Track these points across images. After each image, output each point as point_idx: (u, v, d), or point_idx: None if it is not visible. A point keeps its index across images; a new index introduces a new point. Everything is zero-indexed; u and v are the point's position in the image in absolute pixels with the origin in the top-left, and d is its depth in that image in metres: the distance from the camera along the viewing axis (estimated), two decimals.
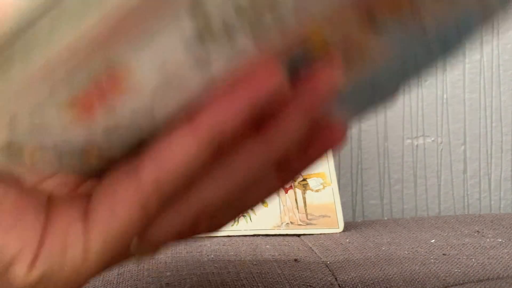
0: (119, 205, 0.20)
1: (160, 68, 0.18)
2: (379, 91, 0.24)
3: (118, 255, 0.22)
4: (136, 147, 0.20)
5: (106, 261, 0.21)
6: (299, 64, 0.20)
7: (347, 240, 0.61)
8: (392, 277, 0.47)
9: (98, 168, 0.21)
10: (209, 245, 0.58)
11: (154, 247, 0.23)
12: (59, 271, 0.20)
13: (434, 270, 0.48)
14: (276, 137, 0.20)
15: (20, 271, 0.20)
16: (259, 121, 0.20)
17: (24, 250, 0.20)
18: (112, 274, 0.49)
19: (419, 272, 0.48)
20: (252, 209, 0.25)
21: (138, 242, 0.22)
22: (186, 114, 0.19)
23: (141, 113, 0.19)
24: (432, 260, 0.51)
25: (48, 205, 0.21)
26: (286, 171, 0.23)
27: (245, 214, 0.26)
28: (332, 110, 0.23)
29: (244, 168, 0.21)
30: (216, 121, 0.19)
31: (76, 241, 0.20)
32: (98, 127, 0.19)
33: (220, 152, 0.20)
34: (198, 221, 0.22)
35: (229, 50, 0.18)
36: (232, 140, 0.20)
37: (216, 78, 0.19)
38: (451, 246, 0.56)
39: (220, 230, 0.25)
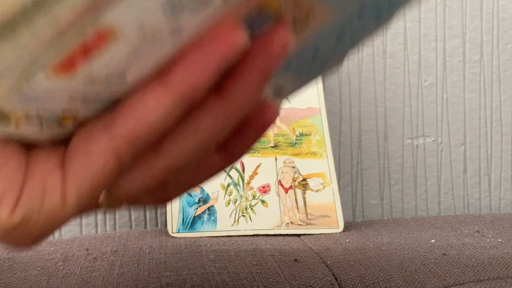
0: (94, 156, 0.22)
1: (139, 28, 0.19)
2: (319, 58, 0.25)
3: (91, 203, 0.24)
4: (109, 110, 0.22)
5: (80, 208, 0.23)
6: (255, 26, 0.22)
7: (347, 240, 0.61)
8: (392, 277, 0.47)
9: (73, 133, 0.22)
10: (209, 245, 0.58)
11: (121, 201, 0.25)
12: (38, 215, 0.22)
13: (434, 270, 0.48)
14: (236, 98, 0.22)
15: (3, 212, 0.22)
16: (221, 84, 0.22)
17: (7, 193, 0.22)
18: (112, 274, 0.49)
19: (419, 272, 0.48)
20: (199, 186, 0.27)
21: (108, 194, 0.24)
22: (158, 73, 0.21)
23: (117, 70, 0.20)
24: (432, 260, 0.51)
25: (28, 155, 0.23)
26: (228, 153, 0.26)
27: (193, 190, 0.29)
28: (277, 74, 0.25)
29: (208, 129, 0.22)
30: (187, 78, 0.20)
31: (54, 188, 0.22)
32: (78, 84, 0.19)
33: (189, 111, 0.22)
34: (166, 181, 0.24)
35: (201, 14, 0.19)
36: (201, 99, 0.22)
37: (187, 40, 0.20)
38: (451, 246, 0.56)
39: (170, 201, 0.27)
